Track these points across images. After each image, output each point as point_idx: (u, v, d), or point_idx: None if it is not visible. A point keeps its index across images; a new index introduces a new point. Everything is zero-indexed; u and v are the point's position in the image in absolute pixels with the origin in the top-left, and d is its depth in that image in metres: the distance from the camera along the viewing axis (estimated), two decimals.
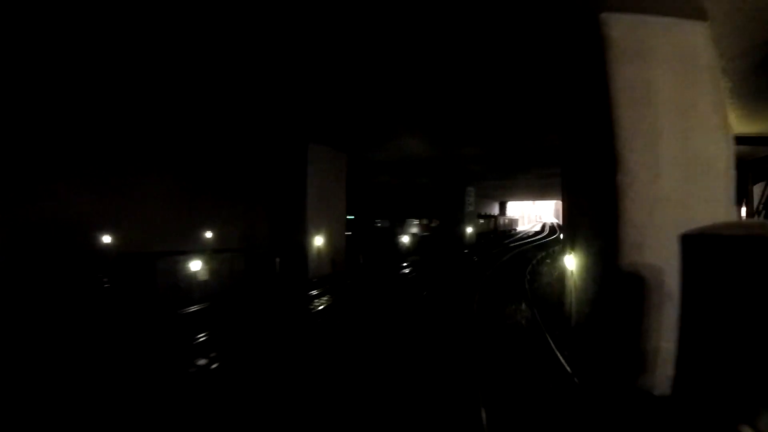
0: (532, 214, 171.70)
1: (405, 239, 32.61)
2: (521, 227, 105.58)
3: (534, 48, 10.39)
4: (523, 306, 13.56)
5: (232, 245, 25.75)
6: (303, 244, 20.50)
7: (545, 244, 40.11)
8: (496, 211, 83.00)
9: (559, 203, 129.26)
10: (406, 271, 23.82)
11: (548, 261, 26.65)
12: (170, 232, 25.28)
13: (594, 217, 9.55)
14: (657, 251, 8.21)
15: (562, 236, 42.13)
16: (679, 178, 8.56)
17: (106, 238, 23.27)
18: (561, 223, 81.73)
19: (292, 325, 12.13)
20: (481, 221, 60.58)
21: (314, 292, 17.11)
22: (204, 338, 10.80)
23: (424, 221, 41.29)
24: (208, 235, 28.37)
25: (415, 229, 39.94)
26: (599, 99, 8.80)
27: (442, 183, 38.11)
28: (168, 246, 19.96)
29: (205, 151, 24.77)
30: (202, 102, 15.09)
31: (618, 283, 8.44)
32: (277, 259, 19.61)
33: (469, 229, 38.34)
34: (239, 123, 17.79)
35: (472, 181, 38.06)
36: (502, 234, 63.46)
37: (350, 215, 33.35)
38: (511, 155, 25.19)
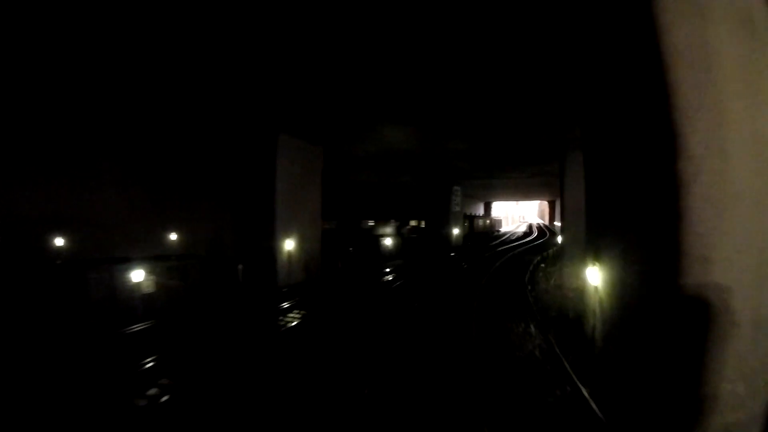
0: (516, 214, 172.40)
1: (388, 242, 30.37)
2: (505, 228, 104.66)
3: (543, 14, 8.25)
4: (533, 329, 11.36)
5: (200, 250, 23.12)
6: (271, 248, 18.05)
7: (538, 247, 38.42)
8: (480, 211, 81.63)
9: (544, 203, 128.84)
10: (390, 278, 21.57)
11: (545, 266, 24.81)
12: (133, 236, 22.52)
13: (634, 220, 7.37)
14: (725, 266, 6.06)
15: (556, 239, 40.90)
16: (752, 168, 6.40)
17: (59, 241, 20.40)
18: (547, 223, 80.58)
19: (247, 357, 9.69)
20: (468, 222, 58.97)
21: (282, 305, 14.70)
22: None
23: (409, 223, 39.11)
24: (175, 238, 25.66)
25: (399, 231, 37.74)
26: (645, 65, 6.67)
27: (427, 182, 36.05)
28: (127, 251, 17.30)
29: (170, 146, 22.11)
30: (163, 90, 12.60)
31: (671, 305, 6.33)
32: (240, 267, 17.09)
33: (456, 231, 36.35)
34: (202, 112, 15.28)
35: (458, 180, 36.11)
36: (488, 236, 61.88)
37: (329, 216, 30.92)
38: (501, 151, 23.21)
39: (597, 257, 8.51)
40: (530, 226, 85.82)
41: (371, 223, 39.04)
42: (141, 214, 23.88)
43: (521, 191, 56.64)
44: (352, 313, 13.59)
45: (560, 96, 13.96)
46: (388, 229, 36.53)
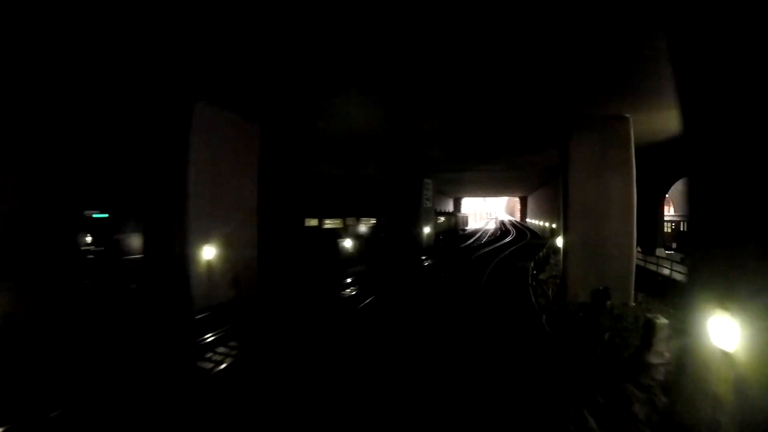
0: (483, 211, 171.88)
1: (348, 243, 25.81)
2: (475, 225, 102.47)
3: None
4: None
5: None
6: (182, 257, 13.12)
7: (525, 250, 34.58)
8: (450, 207, 78.37)
9: (513, 200, 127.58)
10: (351, 292, 17.05)
11: (547, 279, 21.01)
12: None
13: None
14: None
15: (544, 240, 37.62)
16: None
17: None
18: (519, 221, 78.15)
19: None
20: (440, 219, 55.03)
21: (204, 345, 9.84)
22: None
23: (374, 220, 34.68)
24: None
25: (362, 230, 33.25)
26: None
27: (395, 174, 31.72)
28: None
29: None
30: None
31: None
32: (133, 286, 12.07)
33: (427, 229, 32.25)
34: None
35: (429, 172, 31.99)
36: (461, 235, 58.38)
37: (278, 213, 25.98)
38: (483, 133, 19.12)
39: (727, 301, 4.27)
40: (502, 224, 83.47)
41: (334, 221, 34.41)
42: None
43: (493, 187, 53.45)
44: (302, 364, 8.94)
45: (573, 58, 9.86)
46: (354, 228, 32.00)
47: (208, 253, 13.84)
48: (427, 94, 13.27)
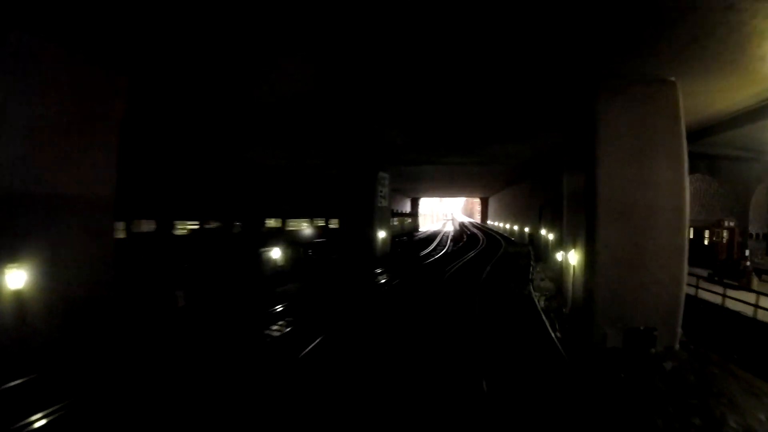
0: (440, 212, 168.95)
1: (276, 254, 19.66)
2: (434, 227, 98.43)
3: None
4: None
5: None
6: None
7: (505, 262, 29.88)
8: (408, 208, 73.59)
9: (471, 201, 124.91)
10: (277, 331, 11.15)
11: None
12: None
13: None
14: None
15: (523, 248, 33.41)
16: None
17: None
18: (479, 222, 74.38)
19: None
20: (396, 221, 49.65)
21: None
22: None
23: (319, 222, 28.63)
24: None
25: (304, 233, 27.11)
26: None
27: (344, 165, 25.92)
28: None
29: None
30: None
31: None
32: None
33: (382, 234, 26.66)
34: None
35: (386, 163, 26.51)
36: (420, 238, 53.35)
37: (173, 212, 19.31)
38: (460, 108, 13.89)
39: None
40: (462, 226, 79.73)
41: (276, 222, 27.98)
42: None
43: (455, 186, 48.92)
44: None
45: None
46: (285, 233, 25.75)
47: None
48: (389, 39, 7.68)
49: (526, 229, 33.69)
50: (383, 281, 20.17)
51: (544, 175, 26.56)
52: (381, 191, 26.72)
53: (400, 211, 65.14)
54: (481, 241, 42.37)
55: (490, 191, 56.92)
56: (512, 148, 21.15)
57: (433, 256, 30.29)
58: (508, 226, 46.67)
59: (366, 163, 25.65)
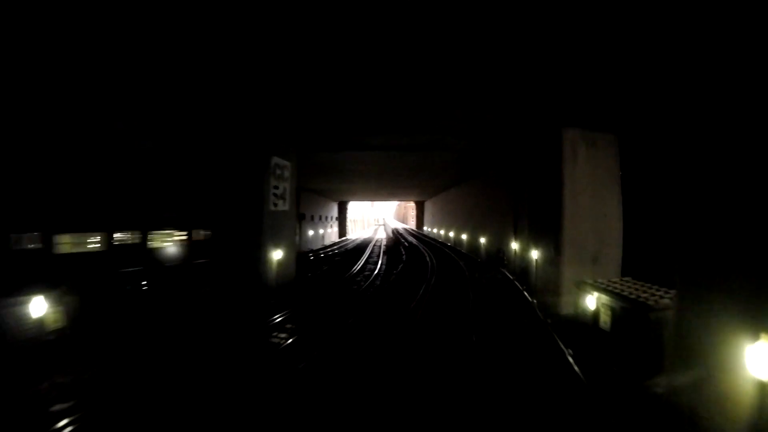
0: (371, 217, 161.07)
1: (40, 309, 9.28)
2: (365, 233, 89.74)
3: None
4: None
5: None
6: None
7: (488, 312, 21.24)
8: (334, 214, 64.24)
9: (405, 205, 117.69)
10: None
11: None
12: None
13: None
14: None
15: (472, 264, 23.68)
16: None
17: None
18: (416, 228, 65.90)
19: None
20: (311, 231, 40.57)
21: None
22: None
23: (178, 234, 18.19)
24: None
25: (155, 249, 16.59)
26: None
27: (217, 145, 16.07)
28: None
29: None
30: None
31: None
32: None
33: (279, 253, 16.94)
34: None
35: (286, 145, 17.14)
36: (349, 249, 44.00)
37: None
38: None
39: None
40: (396, 232, 71.81)
41: (129, 235, 16.88)
42: None
43: (387, 186, 40.52)
44: None
45: None
46: (159, 247, 15.17)
47: None
48: None
49: (482, 241, 25.73)
50: (283, 347, 10.70)
51: (514, 173, 18.93)
52: (277, 188, 17.16)
53: (326, 217, 55.72)
54: (428, 257, 28.74)
55: (427, 193, 49.38)
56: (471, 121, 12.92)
57: (364, 280, 21.16)
58: (452, 234, 38.96)
59: (249, 142, 16.03)
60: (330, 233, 58.63)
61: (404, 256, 29.86)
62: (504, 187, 20.73)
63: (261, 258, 16.52)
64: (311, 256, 35.53)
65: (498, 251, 20.81)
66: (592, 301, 9.78)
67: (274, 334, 12.07)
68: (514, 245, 18.56)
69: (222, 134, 15.59)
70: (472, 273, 20.91)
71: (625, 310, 8.73)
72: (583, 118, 13.34)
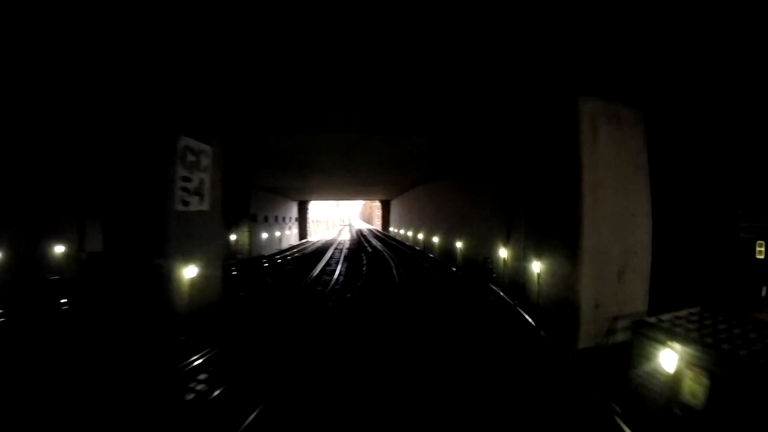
0: (337, 217, 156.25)
1: None
2: (329, 235, 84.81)
3: None
4: None
5: None
6: None
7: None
8: (293, 214, 59.32)
9: (371, 204, 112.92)
10: None
11: None
12: None
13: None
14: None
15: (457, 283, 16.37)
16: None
17: None
18: (381, 229, 60.43)
19: None
20: (265, 234, 36.37)
21: None
22: None
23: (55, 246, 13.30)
24: None
25: None
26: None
27: (106, 123, 11.38)
28: None
29: None
30: None
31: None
32: None
33: (193, 269, 12.34)
34: None
35: (206, 120, 12.61)
36: (307, 253, 39.30)
37: None
38: None
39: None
40: (359, 234, 67.54)
41: None
42: None
43: (351, 185, 36.35)
44: None
45: None
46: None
47: None
48: None
49: (459, 245, 21.66)
50: None
51: (506, 163, 15.16)
52: (188, 180, 12.54)
53: (284, 218, 50.71)
54: (395, 276, 21.55)
55: (393, 191, 45.48)
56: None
57: (315, 306, 16.79)
58: (421, 236, 35.17)
59: (142, 115, 11.36)
60: (289, 236, 53.68)
61: (365, 268, 25.02)
62: (490, 182, 16.81)
63: (165, 275, 11.91)
64: (265, 263, 30.90)
65: (485, 261, 16.61)
66: (668, 358, 6.00)
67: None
68: (503, 253, 14.74)
69: (102, 104, 10.89)
70: (452, 292, 16.69)
71: (744, 381, 4.99)
72: (605, 83, 9.72)
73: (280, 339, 11.29)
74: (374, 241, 49.92)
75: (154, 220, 11.83)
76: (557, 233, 10.53)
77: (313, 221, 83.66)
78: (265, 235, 40.00)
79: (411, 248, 37.27)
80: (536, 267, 11.09)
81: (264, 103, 12.06)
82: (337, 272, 24.03)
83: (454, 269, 21.79)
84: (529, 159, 12.41)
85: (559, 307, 10.47)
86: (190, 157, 12.49)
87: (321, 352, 10.21)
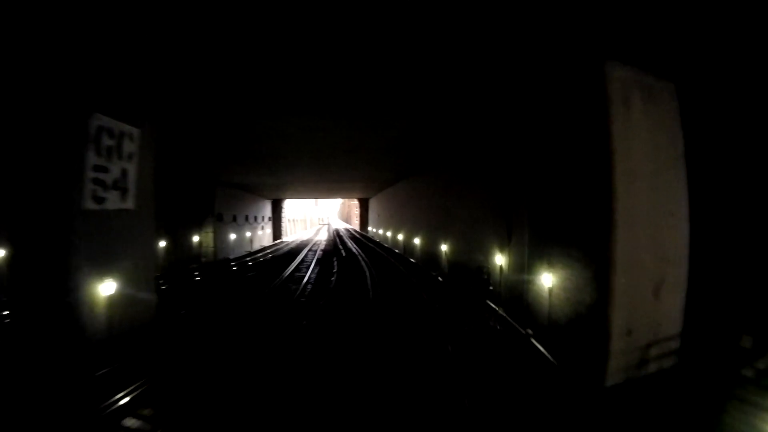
0: (315, 216, 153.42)
1: None
2: (305, 235, 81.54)
3: None
4: None
5: None
6: None
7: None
8: (267, 213, 56.24)
9: (349, 203, 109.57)
10: None
11: None
12: None
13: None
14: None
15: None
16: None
17: None
18: (359, 229, 56.02)
19: None
20: (233, 235, 33.70)
21: None
22: None
23: None
24: None
25: None
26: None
27: None
28: None
29: None
30: None
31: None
32: None
33: (111, 285, 9.62)
34: None
35: (132, 93, 9.84)
36: (281, 254, 36.33)
37: None
38: None
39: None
40: (336, 234, 64.81)
41: None
42: None
43: (325, 181, 33.69)
44: None
45: None
46: None
47: None
48: None
49: (444, 248, 19.17)
50: None
51: (506, 152, 12.74)
52: (104, 170, 9.71)
53: (256, 217, 47.50)
54: (369, 290, 18.12)
55: (372, 188, 42.97)
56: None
57: (274, 329, 14.08)
58: (401, 237, 32.72)
59: (36, 83, 8.56)
60: (261, 236, 50.55)
61: (334, 279, 21.63)
62: (483, 175, 14.37)
63: (72, 292, 9.12)
64: (233, 265, 28.04)
65: (479, 270, 13.96)
66: None
67: None
68: (500, 260, 12.35)
69: None
70: (439, 311, 13.67)
71: None
72: (638, 47, 7.52)
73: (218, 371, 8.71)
74: (349, 243, 47.17)
75: (54, 222, 9.00)
76: (576, 238, 8.28)
77: (289, 220, 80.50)
78: (233, 236, 36.92)
79: (389, 251, 34.72)
80: (547, 280, 8.81)
81: (208, 75, 9.43)
82: (306, 276, 21.34)
83: (440, 279, 18.94)
84: (537, 147, 10.12)
85: (578, 331, 8.23)
86: (108, 141, 9.70)
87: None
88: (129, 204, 10.40)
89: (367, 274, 22.14)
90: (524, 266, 10.35)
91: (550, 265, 8.93)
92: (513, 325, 10.95)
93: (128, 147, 10.35)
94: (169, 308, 14.21)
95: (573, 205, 8.44)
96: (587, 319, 7.97)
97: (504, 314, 11.66)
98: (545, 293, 9.02)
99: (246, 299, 16.74)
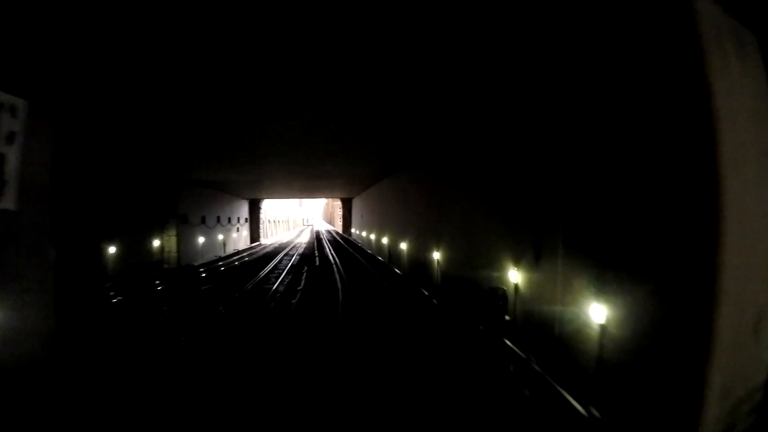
0: (299, 217, 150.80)
1: None
2: (286, 237, 78.10)
3: None
4: None
5: None
6: None
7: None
8: (244, 214, 53.09)
9: (332, 203, 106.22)
10: None
11: None
12: None
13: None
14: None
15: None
16: None
17: None
18: (342, 231, 48.95)
19: None
20: (202, 238, 30.90)
21: None
22: None
23: None
24: None
25: None
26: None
27: None
28: None
29: None
30: None
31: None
32: None
33: None
34: None
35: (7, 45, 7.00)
36: (244, 264, 33.19)
37: None
38: None
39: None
40: (317, 236, 61.83)
41: None
42: None
43: (304, 179, 30.81)
44: None
45: None
46: None
47: None
48: None
49: (436, 257, 15.92)
50: None
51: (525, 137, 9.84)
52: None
53: (230, 219, 44.14)
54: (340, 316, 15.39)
55: (355, 187, 40.17)
56: None
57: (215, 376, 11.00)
58: (385, 240, 29.93)
59: None
60: (237, 239, 47.28)
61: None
62: (491, 166, 11.43)
63: None
64: (202, 271, 25.08)
65: (492, 293, 10.21)
66: None
67: None
68: (515, 278, 9.44)
69: None
70: (436, 361, 9.83)
71: None
72: None
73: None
74: (326, 250, 44.11)
75: None
76: (649, 256, 5.66)
77: (270, 221, 77.12)
78: (201, 240, 33.68)
79: (372, 259, 31.89)
80: (600, 314, 6.15)
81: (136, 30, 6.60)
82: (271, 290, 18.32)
83: (434, 301, 15.18)
84: (580, 131, 7.42)
85: (652, 388, 5.65)
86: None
87: None
88: (8, 203, 7.42)
89: (339, 293, 19.07)
90: (555, 291, 7.61)
91: (601, 293, 6.29)
92: (559, 392, 7.07)
93: (7, 123, 7.38)
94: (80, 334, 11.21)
95: (643, 209, 5.82)
96: (669, 369, 5.39)
97: (536, 367, 7.86)
98: (593, 331, 6.36)
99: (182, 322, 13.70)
